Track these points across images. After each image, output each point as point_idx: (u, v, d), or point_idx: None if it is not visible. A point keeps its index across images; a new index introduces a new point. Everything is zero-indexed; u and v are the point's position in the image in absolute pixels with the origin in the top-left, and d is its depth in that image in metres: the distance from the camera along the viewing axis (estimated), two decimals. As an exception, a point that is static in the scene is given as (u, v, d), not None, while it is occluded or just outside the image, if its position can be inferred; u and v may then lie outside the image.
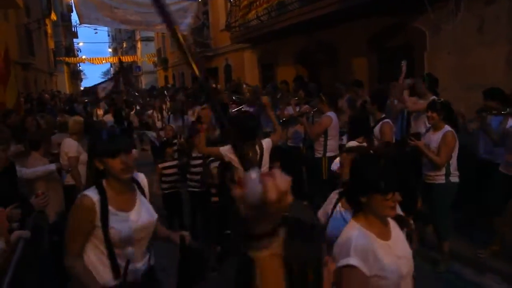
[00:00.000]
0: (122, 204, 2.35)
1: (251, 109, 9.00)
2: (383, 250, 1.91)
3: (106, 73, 78.68)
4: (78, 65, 46.67)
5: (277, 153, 4.71)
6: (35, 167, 4.34)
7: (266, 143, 4.08)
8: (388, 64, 8.50)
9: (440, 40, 7.23)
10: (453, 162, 4.45)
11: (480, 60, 6.47)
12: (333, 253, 1.94)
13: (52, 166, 4.51)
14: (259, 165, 3.91)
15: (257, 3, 11.64)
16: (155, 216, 2.52)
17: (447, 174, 4.42)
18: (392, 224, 2.06)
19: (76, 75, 48.31)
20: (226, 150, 3.86)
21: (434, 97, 5.66)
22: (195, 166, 5.36)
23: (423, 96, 5.65)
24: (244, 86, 11.04)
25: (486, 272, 4.45)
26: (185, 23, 13.67)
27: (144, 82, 42.01)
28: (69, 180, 5.35)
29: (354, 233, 1.93)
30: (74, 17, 41.20)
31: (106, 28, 46.69)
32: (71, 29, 41.56)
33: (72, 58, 37.36)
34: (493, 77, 6.08)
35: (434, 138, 4.46)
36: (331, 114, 5.72)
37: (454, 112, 4.98)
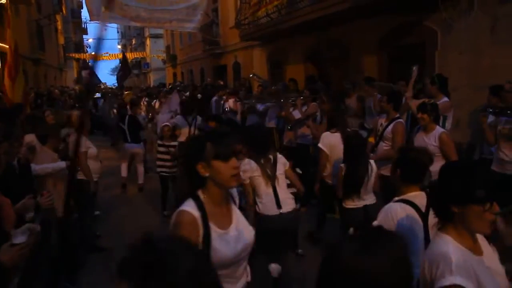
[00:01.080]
0: (221, 219, 2.02)
1: (260, 107, 9.03)
2: (480, 266, 1.73)
3: (114, 69, 79.07)
4: (87, 61, 46.90)
5: (287, 152, 4.73)
6: (44, 161, 4.35)
7: (281, 159, 3.96)
8: (398, 62, 8.43)
9: (452, 39, 7.14)
10: None
11: (493, 60, 6.38)
12: (422, 271, 1.78)
13: (62, 164, 4.51)
14: (274, 172, 3.82)
15: (267, 0, 11.61)
16: (253, 231, 2.15)
17: None
18: (480, 238, 1.86)
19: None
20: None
21: (445, 98, 5.58)
22: None
23: (435, 97, 5.58)
24: (252, 75, 11.05)
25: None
26: (195, 21, 13.71)
27: (153, 79, 42.13)
28: (78, 175, 5.37)
29: (450, 248, 1.73)
30: (84, 13, 41.42)
31: (115, 25, 46.81)
32: (81, 25, 41.77)
33: (82, 54, 37.55)
34: (505, 77, 5.98)
35: (429, 141, 4.44)
36: None
37: None
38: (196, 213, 1.94)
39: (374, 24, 8.90)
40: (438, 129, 4.50)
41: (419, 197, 2.66)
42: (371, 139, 5.29)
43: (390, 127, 4.79)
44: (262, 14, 11.98)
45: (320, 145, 4.84)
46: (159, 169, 6.86)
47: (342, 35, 10.14)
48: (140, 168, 8.47)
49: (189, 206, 1.96)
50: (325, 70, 11.29)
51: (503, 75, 6.11)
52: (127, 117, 8.51)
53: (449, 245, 1.74)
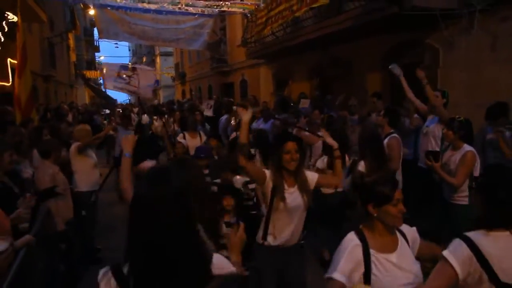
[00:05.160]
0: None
1: (266, 126, 8.98)
2: None
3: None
4: (98, 78, 47.51)
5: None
6: (46, 174, 4.43)
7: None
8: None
9: (453, 57, 7.19)
10: None
11: (493, 78, 6.41)
12: None
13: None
14: None
15: (273, 19, 11.78)
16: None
17: (471, 195, 4.11)
18: None
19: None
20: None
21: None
22: None
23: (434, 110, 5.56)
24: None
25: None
26: (201, 40, 13.96)
27: (162, 95, 42.57)
28: (80, 187, 5.47)
29: None
30: (96, 31, 42.14)
31: (126, 43, 47.80)
32: (93, 43, 42.46)
33: (92, 72, 38.08)
34: (505, 95, 6.00)
35: (453, 159, 4.24)
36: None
37: None
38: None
39: (377, 42, 8.98)
40: (465, 148, 4.19)
41: None
42: None
43: (385, 142, 4.78)
44: (267, 33, 12.15)
45: None
46: None
47: (345, 52, 10.24)
48: None
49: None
50: (329, 87, 11.37)
51: (503, 93, 6.13)
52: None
53: None
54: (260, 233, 3.36)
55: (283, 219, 3.27)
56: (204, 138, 7.00)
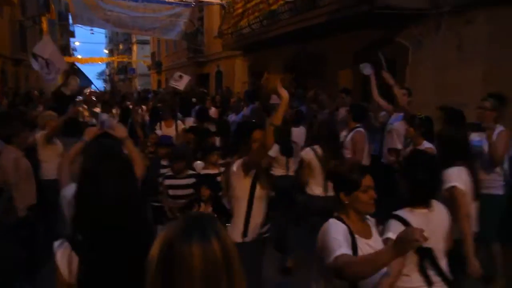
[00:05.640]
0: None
1: (237, 117, 8.90)
2: None
3: (101, 74, 78.51)
4: (74, 64, 46.42)
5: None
6: (9, 160, 4.35)
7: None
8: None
9: (422, 55, 7.38)
10: None
11: (458, 78, 6.61)
12: None
13: None
14: None
15: (249, 11, 11.80)
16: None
17: None
18: None
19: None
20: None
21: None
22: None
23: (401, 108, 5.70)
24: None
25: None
26: (177, 30, 13.84)
27: (138, 84, 42.04)
28: (47, 175, 5.38)
29: None
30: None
31: (102, 30, 46.80)
32: (68, 28, 41.41)
33: (67, 58, 37.23)
34: (469, 94, 6.20)
35: None
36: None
37: None
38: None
39: (350, 39, 9.11)
40: (425, 144, 4.25)
41: None
42: None
43: (349, 136, 4.91)
44: (244, 25, 12.16)
45: None
46: None
47: (320, 48, 10.35)
48: None
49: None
50: (303, 81, 11.47)
51: (467, 92, 6.34)
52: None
53: None
54: (240, 230, 3.15)
55: (259, 208, 3.18)
56: (180, 126, 6.77)
